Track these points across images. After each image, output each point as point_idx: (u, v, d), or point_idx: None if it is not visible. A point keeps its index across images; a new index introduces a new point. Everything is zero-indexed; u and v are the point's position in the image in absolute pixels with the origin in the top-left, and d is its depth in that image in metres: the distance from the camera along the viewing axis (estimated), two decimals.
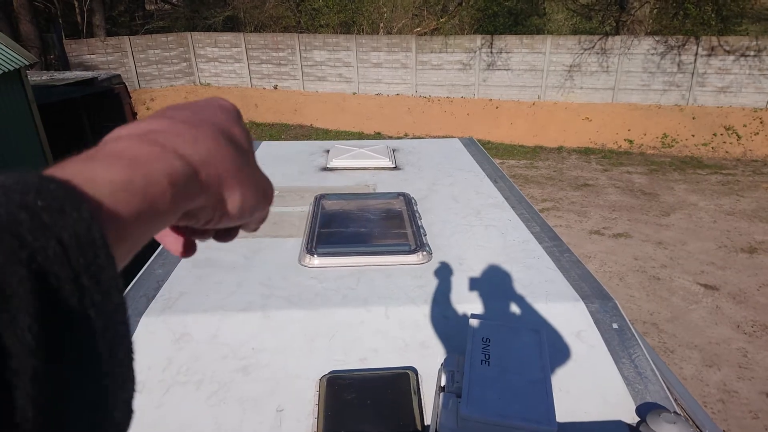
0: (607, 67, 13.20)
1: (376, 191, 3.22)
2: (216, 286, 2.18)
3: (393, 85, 14.69)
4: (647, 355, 1.86)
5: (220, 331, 1.94)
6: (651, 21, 13.92)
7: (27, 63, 9.11)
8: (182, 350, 1.87)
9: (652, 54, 12.78)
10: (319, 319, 2.00)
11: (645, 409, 1.66)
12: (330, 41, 15.20)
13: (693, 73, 12.59)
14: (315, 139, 13.86)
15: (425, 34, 15.58)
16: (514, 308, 2.03)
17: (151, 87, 16.25)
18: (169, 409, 1.70)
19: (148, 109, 15.41)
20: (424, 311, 2.01)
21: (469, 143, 4.29)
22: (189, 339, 1.91)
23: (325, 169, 3.67)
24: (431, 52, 14.11)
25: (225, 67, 16.55)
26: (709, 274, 7.07)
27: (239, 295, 2.12)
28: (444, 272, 2.28)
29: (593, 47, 13.28)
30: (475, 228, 2.71)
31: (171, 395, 1.74)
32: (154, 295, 2.12)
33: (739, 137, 12.01)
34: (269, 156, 3.98)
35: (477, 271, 2.27)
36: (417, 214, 2.77)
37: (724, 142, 12.02)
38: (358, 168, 3.65)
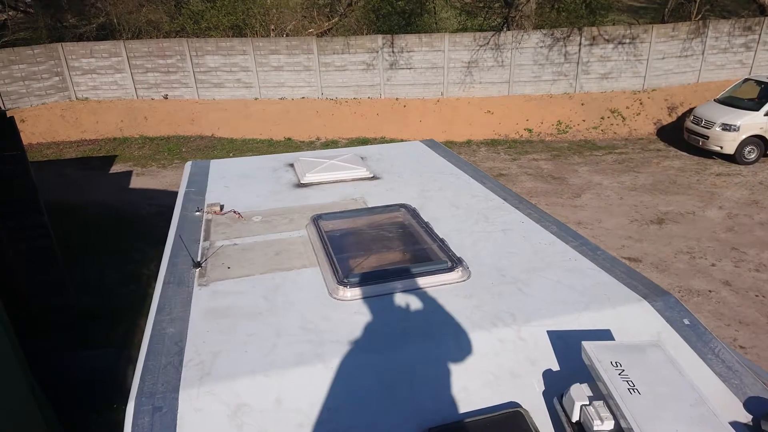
0: (502, 61, 13.87)
1: (368, 205, 3.00)
2: (251, 339, 1.85)
3: (297, 88, 14.26)
4: (728, 348, 1.85)
5: (283, 394, 1.63)
6: (536, 16, 14.86)
7: None
8: (245, 427, 1.54)
9: (541, 47, 13.64)
10: (389, 361, 1.76)
11: (755, 406, 1.63)
12: (223, 45, 14.39)
13: (578, 63, 13.64)
14: (220, 150, 13.08)
15: (321, 35, 15.31)
16: (587, 319, 1.93)
17: (19, 107, 14.31)
18: None
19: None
20: (497, 335, 1.85)
21: (433, 145, 4.18)
22: (249, 410, 1.58)
23: (300, 185, 3.35)
24: (333, 53, 13.88)
25: (104, 79, 15.05)
26: (629, 248, 7.66)
27: (284, 347, 1.81)
28: (492, 287, 2.13)
29: (488, 43, 13.88)
30: (494, 234, 2.59)
31: None
32: (181, 361, 1.75)
33: (623, 119, 13.23)
34: (228, 175, 3.57)
35: (524, 282, 2.15)
36: (429, 226, 2.59)
37: (612, 124, 13.17)
38: (336, 181, 3.39)
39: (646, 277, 2.18)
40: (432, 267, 2.20)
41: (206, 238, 2.65)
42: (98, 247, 7.99)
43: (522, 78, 14.02)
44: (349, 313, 1.99)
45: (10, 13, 23.53)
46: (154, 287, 2.56)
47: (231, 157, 12.74)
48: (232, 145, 13.31)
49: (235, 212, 2.92)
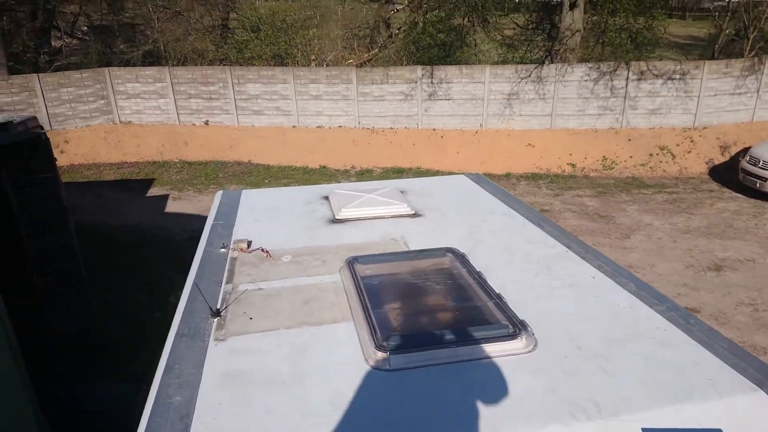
0: (544, 94, 13.52)
1: (410, 246, 2.66)
2: (270, 418, 1.51)
3: (334, 117, 14.21)
4: None
5: None
6: (580, 49, 14.52)
7: None
8: None
9: (586, 80, 13.25)
10: None
11: None
12: (265, 74, 14.52)
13: (625, 97, 13.16)
14: (256, 176, 13.03)
15: (361, 65, 15.34)
16: (691, 412, 1.52)
17: (64, 128, 14.70)
18: None
19: (62, 152, 13.89)
20: (577, 429, 1.46)
21: (480, 180, 3.84)
22: None
23: (335, 221, 3.05)
24: (372, 83, 13.81)
25: (148, 104, 15.37)
26: (686, 296, 7.06)
27: (310, 429, 1.46)
28: (565, 362, 1.74)
29: (530, 75, 13.58)
30: (560, 290, 2.21)
31: None
32: None
33: (673, 156, 12.61)
34: (259, 207, 3.30)
35: (606, 357, 1.76)
36: (482, 277, 2.23)
37: (661, 162, 12.56)
38: (374, 217, 3.07)
39: (757, 358, 1.76)
40: (490, 332, 1.83)
41: (229, 280, 2.35)
42: (128, 272, 7.86)
43: (565, 111, 13.61)
44: (388, 386, 1.63)
45: (66, 39, 24.69)
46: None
47: (266, 183, 12.70)
48: (267, 171, 13.27)
49: (263, 250, 2.62)
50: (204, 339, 1.91)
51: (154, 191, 12.25)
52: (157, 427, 1.50)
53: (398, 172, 12.94)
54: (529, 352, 1.79)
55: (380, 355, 1.73)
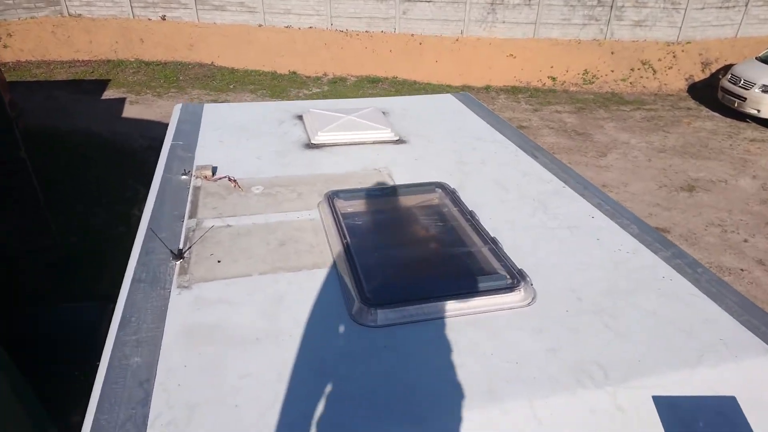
0: (530, 0, 12.75)
1: (393, 178, 2.42)
2: (244, 385, 1.34)
3: (305, 16, 13.16)
4: None
5: None
6: None
7: None
8: None
9: None
10: None
11: None
12: None
13: (612, 6, 12.53)
14: (220, 80, 12.23)
15: None
16: (702, 378, 1.41)
17: (5, 19, 13.27)
18: None
19: (5, 46, 12.64)
20: (585, 401, 1.34)
21: (468, 100, 3.54)
22: None
23: (311, 145, 2.76)
24: None
25: None
26: (657, 217, 7.13)
27: (291, 402, 1.30)
28: (567, 318, 1.60)
29: None
30: (558, 232, 2.04)
31: None
32: (145, 418, 1.24)
33: (654, 72, 12.31)
34: (223, 125, 2.96)
35: (610, 313, 1.62)
36: (475, 217, 2.03)
37: (641, 77, 12.27)
38: (353, 143, 2.79)
39: (766, 311, 1.65)
40: (486, 284, 1.65)
41: (192, 214, 2.09)
42: (86, 183, 7.43)
43: (550, 20, 12.95)
44: (377, 347, 1.47)
45: None
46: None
47: (232, 89, 11.95)
48: (232, 76, 12.45)
49: (230, 179, 2.34)
50: (165, 286, 1.69)
51: (109, 94, 11.41)
52: (112, 395, 1.31)
53: (373, 82, 12.33)
54: (528, 305, 1.64)
55: (366, 309, 1.55)
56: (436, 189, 2.25)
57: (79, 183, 7.42)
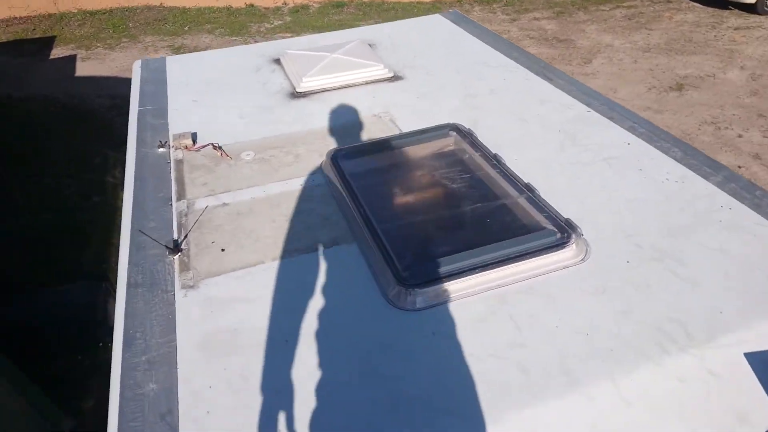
0: None
1: (397, 124, 2.15)
2: (280, 402, 1.15)
3: None
4: None
5: None
6: None
7: None
8: None
9: None
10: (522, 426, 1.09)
11: None
12: None
13: None
14: (173, 23, 11.34)
15: None
16: None
17: None
18: None
19: None
20: (672, 369, 1.18)
21: (459, 19, 3.19)
22: None
23: (297, 95, 2.44)
24: None
25: None
26: (651, 120, 6.93)
27: (344, 413, 1.12)
28: (630, 271, 1.42)
29: None
30: (594, 167, 1.82)
31: None
32: None
33: None
34: (193, 80, 2.61)
35: (675, 258, 1.44)
36: (501, 162, 1.79)
37: None
38: (344, 86, 2.48)
39: None
40: (533, 243, 1.45)
41: (181, 195, 1.82)
42: (50, 153, 6.94)
43: None
44: (424, 334, 1.28)
45: None
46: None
47: (186, 31, 11.11)
48: (185, 16, 11.54)
49: (215, 146, 2.05)
50: (167, 288, 1.46)
51: (57, 52, 10.54)
52: None
53: (338, 6, 11.55)
54: (583, 260, 1.45)
55: (403, 291, 1.35)
56: (450, 132, 1.99)
57: (42, 154, 6.93)
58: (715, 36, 9.17)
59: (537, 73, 2.47)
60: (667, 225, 1.55)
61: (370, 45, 2.84)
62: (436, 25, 3.12)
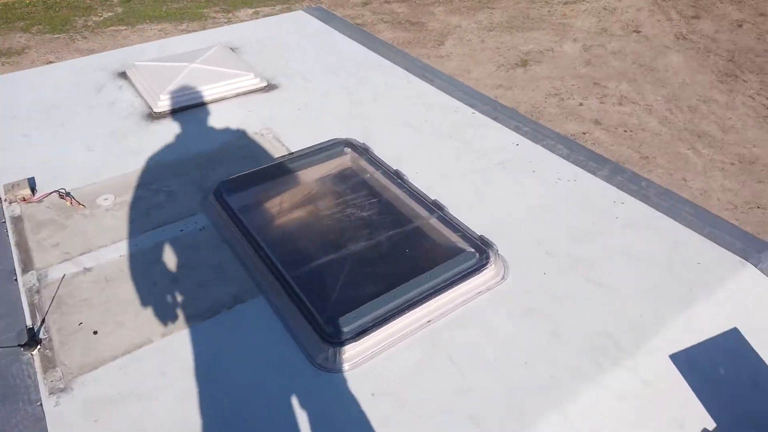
0: None
1: (283, 142, 1.95)
2: None
3: None
4: None
5: None
6: None
7: None
8: None
9: None
10: None
11: None
12: None
13: None
14: None
15: None
16: (701, 316, 1.33)
17: None
18: None
19: None
20: (610, 385, 1.18)
21: (324, 15, 3.01)
22: None
23: (154, 116, 2.11)
24: None
25: None
26: (503, 98, 7.37)
27: None
28: (548, 286, 1.40)
29: None
30: (491, 173, 1.80)
31: None
32: None
33: None
34: (23, 107, 2.15)
35: (586, 263, 1.46)
36: (404, 179, 1.70)
37: None
38: (212, 100, 2.20)
39: (721, 218, 1.62)
40: (455, 269, 1.37)
41: (27, 264, 1.47)
42: None
43: None
44: (361, 396, 1.15)
45: None
46: None
47: None
48: None
49: (61, 195, 1.69)
50: (30, 398, 1.15)
51: None
52: None
53: None
54: (503, 279, 1.41)
55: (331, 351, 1.20)
56: (345, 149, 1.84)
57: None
58: (549, 12, 9.99)
59: (416, 74, 2.40)
60: (570, 229, 1.57)
61: (232, 49, 2.56)
62: (302, 22, 2.92)
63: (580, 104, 7.26)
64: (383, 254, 1.46)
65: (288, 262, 1.37)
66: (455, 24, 9.48)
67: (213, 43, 2.56)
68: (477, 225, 1.53)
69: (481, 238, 1.46)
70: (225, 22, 9.26)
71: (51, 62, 7.96)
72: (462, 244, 1.45)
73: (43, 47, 8.54)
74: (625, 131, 6.65)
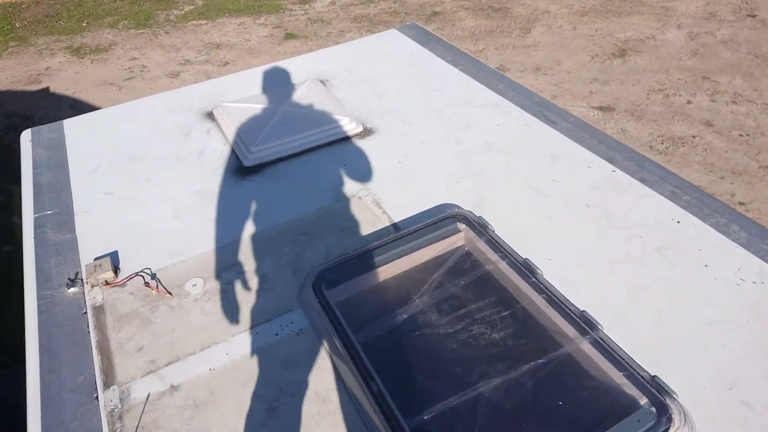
0: None
1: (385, 209, 1.68)
2: None
3: None
4: None
5: None
6: None
7: None
8: None
9: None
10: None
11: None
12: None
13: None
14: (68, 19, 10.01)
15: None
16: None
17: None
18: None
19: None
20: None
21: (422, 35, 2.69)
22: None
23: (244, 171, 1.90)
24: None
25: None
26: (599, 94, 6.74)
27: None
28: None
29: None
30: (650, 265, 1.43)
31: None
32: None
33: None
34: (103, 154, 2.01)
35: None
36: (537, 275, 1.37)
37: None
38: (303, 150, 1.96)
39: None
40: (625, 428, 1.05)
41: (109, 377, 1.29)
42: None
43: None
44: None
45: None
46: None
47: (86, 27, 9.84)
48: (81, 9, 10.23)
49: (147, 283, 1.51)
50: None
51: None
52: None
53: None
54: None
55: None
56: (458, 224, 1.54)
57: None
58: None
59: (533, 113, 2.04)
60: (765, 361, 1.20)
61: (322, 82, 2.31)
62: (395, 44, 2.61)
63: (688, 102, 6.50)
64: (525, 404, 1.15)
65: (406, 407, 1.10)
66: (543, 9, 8.80)
67: (300, 71, 2.32)
68: (639, 352, 1.19)
69: (656, 382, 1.12)
70: (302, 14, 9.10)
71: (135, 59, 8.14)
72: (631, 391, 1.12)
73: (128, 43, 8.75)
74: (741, 135, 5.88)
